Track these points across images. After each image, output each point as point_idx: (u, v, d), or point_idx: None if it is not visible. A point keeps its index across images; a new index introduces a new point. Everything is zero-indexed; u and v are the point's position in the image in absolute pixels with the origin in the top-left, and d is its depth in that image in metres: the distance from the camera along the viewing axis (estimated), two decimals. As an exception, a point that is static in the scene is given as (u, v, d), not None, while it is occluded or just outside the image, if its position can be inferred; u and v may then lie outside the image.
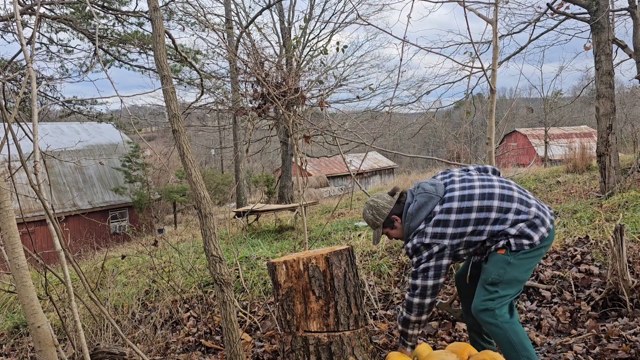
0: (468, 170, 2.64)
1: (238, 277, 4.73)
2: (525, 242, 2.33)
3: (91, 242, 12.81)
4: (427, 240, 2.40)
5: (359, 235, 6.00)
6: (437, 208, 2.43)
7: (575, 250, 4.28)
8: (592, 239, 4.42)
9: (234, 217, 11.23)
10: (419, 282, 2.43)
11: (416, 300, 2.47)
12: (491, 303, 2.33)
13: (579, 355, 2.79)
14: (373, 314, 3.92)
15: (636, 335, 2.91)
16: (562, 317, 3.35)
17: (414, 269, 2.47)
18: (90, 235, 15.39)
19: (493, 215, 2.36)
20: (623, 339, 2.89)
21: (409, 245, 2.47)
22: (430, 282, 2.42)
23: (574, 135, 33.31)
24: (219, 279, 2.72)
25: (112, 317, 4.10)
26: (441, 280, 2.43)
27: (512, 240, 2.35)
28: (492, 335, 2.36)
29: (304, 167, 4.37)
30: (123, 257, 5.84)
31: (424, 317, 2.52)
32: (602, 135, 7.87)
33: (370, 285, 4.33)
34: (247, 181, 27.09)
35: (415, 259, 2.47)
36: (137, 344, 3.95)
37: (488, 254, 2.44)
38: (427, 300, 2.46)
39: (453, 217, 2.38)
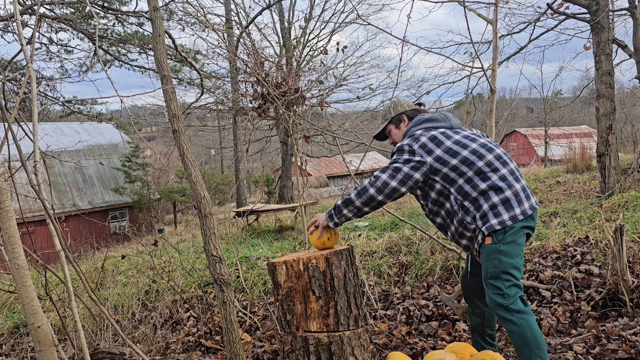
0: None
1: (238, 277, 4.73)
2: (507, 214, 2.32)
3: (91, 242, 12.81)
4: (415, 146, 2.42)
5: (359, 235, 6.00)
6: (441, 130, 2.48)
7: (575, 250, 4.28)
8: (592, 239, 4.42)
9: (234, 217, 11.23)
10: (384, 176, 2.40)
11: (372, 190, 2.41)
12: (504, 299, 2.30)
13: (579, 355, 2.79)
14: (373, 314, 3.92)
15: (636, 335, 2.91)
16: (562, 317, 3.35)
17: (387, 165, 2.47)
18: (90, 235, 15.39)
19: (480, 164, 2.37)
20: (623, 339, 2.89)
21: (400, 143, 2.49)
22: (393, 183, 2.38)
23: (574, 135, 33.33)
24: (219, 279, 2.72)
25: (112, 317, 4.10)
26: (403, 189, 2.40)
27: (490, 212, 2.33)
28: (507, 330, 2.34)
29: (304, 167, 4.37)
30: (123, 257, 5.83)
31: (366, 208, 2.47)
32: (602, 135, 7.88)
33: (370, 285, 4.33)
34: (247, 181, 27.10)
35: (394, 157, 2.47)
36: (137, 344, 3.95)
37: (479, 247, 2.41)
38: (379, 197, 2.42)
39: (448, 143, 2.41)
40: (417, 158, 2.40)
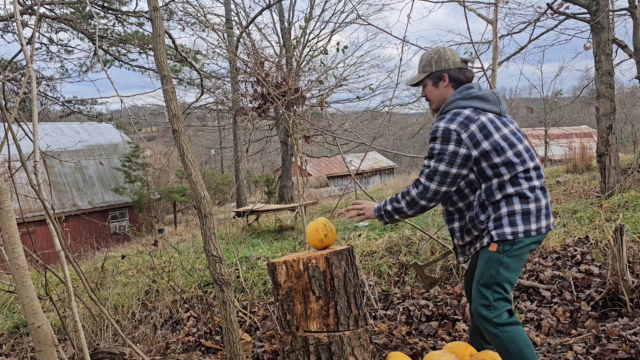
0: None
1: (238, 277, 4.73)
2: (522, 227, 2.22)
3: (91, 242, 12.81)
4: (464, 135, 2.21)
5: (359, 235, 6.00)
6: (491, 117, 2.28)
7: (575, 250, 4.28)
8: (592, 239, 4.42)
9: (234, 217, 11.23)
10: (433, 186, 2.28)
11: (422, 202, 2.33)
12: (489, 312, 2.24)
13: (579, 355, 2.79)
14: (373, 314, 3.92)
15: (636, 335, 2.91)
16: (562, 317, 3.35)
17: (429, 164, 2.30)
18: (90, 235, 15.39)
19: (519, 169, 2.24)
20: (623, 339, 2.89)
21: (443, 125, 2.26)
22: (443, 188, 2.29)
23: (574, 135, 33.32)
24: (219, 279, 2.72)
25: (112, 317, 4.10)
26: (453, 189, 2.29)
27: (504, 220, 2.23)
28: (491, 342, 2.32)
29: (304, 167, 4.37)
30: (123, 257, 5.84)
31: (414, 214, 2.40)
32: (602, 135, 7.88)
33: (370, 285, 4.33)
34: (247, 181, 27.09)
35: (438, 147, 2.27)
36: (137, 344, 3.95)
37: (480, 248, 2.34)
38: (430, 204, 2.34)
39: (496, 136, 2.21)
40: (464, 150, 2.22)
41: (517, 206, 2.24)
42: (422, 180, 2.31)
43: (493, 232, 2.25)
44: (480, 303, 2.28)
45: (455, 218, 2.47)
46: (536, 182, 2.28)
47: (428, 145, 2.35)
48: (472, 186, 2.34)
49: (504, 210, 2.25)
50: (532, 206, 2.24)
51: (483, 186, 2.30)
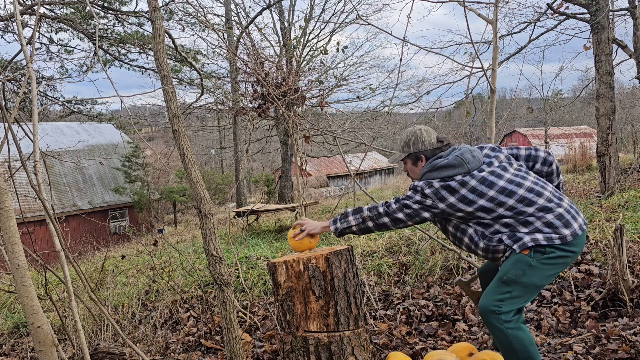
0: (517, 155, 2.58)
1: (238, 277, 4.73)
2: (542, 234, 2.22)
3: (91, 242, 12.80)
4: (427, 191, 2.36)
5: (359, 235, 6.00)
6: (458, 177, 2.38)
7: (575, 250, 4.28)
8: (592, 239, 4.42)
9: (234, 217, 11.23)
10: (394, 206, 2.42)
11: (381, 209, 2.44)
12: (499, 306, 2.23)
13: (579, 355, 2.79)
14: (373, 314, 3.92)
15: (636, 335, 2.91)
16: (562, 317, 3.35)
17: (401, 196, 2.47)
18: (90, 235, 15.39)
19: (501, 210, 2.29)
20: (623, 339, 2.89)
21: (415, 183, 2.46)
22: (400, 215, 2.41)
23: (574, 135, 33.32)
24: (219, 279, 2.72)
25: (112, 317, 4.10)
26: (409, 223, 2.43)
27: (526, 237, 2.24)
28: (494, 338, 2.31)
29: (304, 167, 4.37)
30: (123, 257, 5.84)
31: (370, 223, 2.48)
32: (602, 135, 7.88)
33: (370, 285, 4.33)
34: (247, 181, 27.09)
35: (408, 193, 2.46)
36: (137, 344, 3.95)
37: (507, 255, 2.32)
38: (384, 219, 2.44)
39: (463, 191, 2.32)
40: (429, 202, 2.36)
41: (531, 226, 2.27)
42: (392, 201, 2.45)
43: (514, 246, 2.26)
44: (494, 297, 2.27)
45: (472, 250, 2.47)
46: (540, 201, 2.28)
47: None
48: (461, 228, 2.42)
49: (520, 231, 2.28)
50: (546, 219, 2.25)
51: (471, 223, 2.38)
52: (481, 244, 2.34)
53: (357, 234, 2.58)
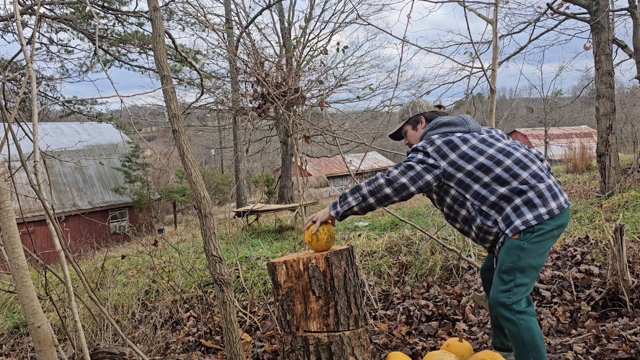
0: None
1: (238, 277, 4.73)
2: (531, 214, 2.22)
3: (91, 242, 12.81)
4: (429, 149, 2.35)
5: (359, 235, 6.00)
6: (458, 134, 2.40)
7: (575, 250, 4.28)
8: (592, 239, 4.42)
9: (234, 217, 11.23)
10: (396, 171, 2.35)
11: (382, 180, 2.36)
12: (508, 297, 2.24)
13: (579, 355, 2.79)
14: (373, 314, 3.92)
15: (636, 335, 2.91)
16: (562, 317, 3.35)
17: (401, 163, 2.42)
18: (90, 235, 15.39)
19: (498, 170, 2.29)
20: (623, 339, 2.89)
21: (415, 145, 2.43)
22: (403, 179, 2.33)
23: (574, 135, 33.32)
24: (219, 279, 2.72)
25: (112, 317, 4.10)
26: (412, 188, 2.33)
27: (512, 214, 2.24)
28: (506, 329, 2.31)
29: (304, 167, 4.37)
30: (123, 257, 5.83)
31: (371, 199, 2.39)
32: (602, 135, 7.88)
33: (370, 285, 4.33)
34: (247, 181, 27.10)
35: (409, 156, 2.43)
36: (137, 344, 3.95)
37: (502, 241, 2.32)
38: (387, 190, 2.35)
39: (464, 147, 2.34)
40: (431, 161, 2.34)
41: (517, 200, 2.26)
42: (392, 169, 2.39)
43: (507, 231, 2.26)
44: (500, 289, 2.27)
45: (465, 232, 2.49)
46: (524, 174, 2.29)
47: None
48: (459, 201, 2.39)
49: (507, 209, 2.27)
50: (531, 194, 2.25)
51: (468, 195, 2.35)
52: (477, 220, 2.33)
53: (360, 214, 2.49)
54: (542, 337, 2.27)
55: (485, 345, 3.10)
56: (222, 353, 3.59)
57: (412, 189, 2.34)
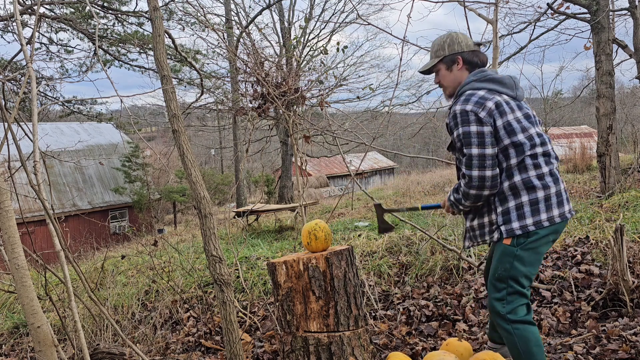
0: None
1: (238, 277, 4.73)
2: (532, 218, 2.15)
3: (91, 242, 12.81)
4: (482, 114, 2.16)
5: (359, 235, 6.00)
6: (506, 98, 2.23)
7: (576, 250, 4.28)
8: (593, 239, 4.42)
9: (234, 217, 11.23)
10: (466, 153, 2.16)
11: (475, 173, 2.16)
12: (502, 306, 2.20)
13: (579, 355, 2.79)
14: (373, 314, 3.92)
15: (636, 336, 2.91)
16: (562, 317, 3.35)
17: (471, 152, 2.18)
18: (90, 235, 15.39)
19: (527, 153, 2.17)
20: (623, 339, 2.89)
21: (459, 107, 2.21)
22: (475, 150, 2.14)
23: (574, 135, 33.30)
24: (219, 279, 2.72)
25: (112, 317, 4.10)
26: (487, 150, 2.13)
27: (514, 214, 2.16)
28: (502, 337, 2.29)
29: (304, 167, 4.37)
30: (123, 257, 5.83)
31: (467, 202, 2.25)
32: (602, 135, 7.88)
33: (370, 285, 4.33)
34: (247, 181, 27.10)
35: (462, 132, 2.19)
36: (137, 344, 3.95)
37: (490, 241, 2.28)
38: (485, 193, 2.18)
39: (510, 116, 2.19)
40: (487, 128, 2.15)
41: (524, 197, 2.18)
42: (464, 170, 2.23)
43: (502, 228, 2.20)
44: (495, 297, 2.24)
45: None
46: (545, 169, 2.19)
47: (452, 135, 2.28)
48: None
49: (511, 203, 2.20)
50: (540, 195, 2.17)
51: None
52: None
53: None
54: (540, 344, 2.22)
55: (485, 345, 3.09)
56: (222, 353, 3.59)
57: (488, 150, 2.16)
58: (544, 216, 2.17)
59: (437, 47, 2.41)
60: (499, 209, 2.23)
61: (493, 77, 2.28)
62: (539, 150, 2.20)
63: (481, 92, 2.22)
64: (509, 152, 2.19)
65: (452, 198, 2.37)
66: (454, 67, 2.37)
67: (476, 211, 2.34)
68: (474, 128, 2.16)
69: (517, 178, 2.19)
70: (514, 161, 2.18)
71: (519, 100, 2.30)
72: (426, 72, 2.50)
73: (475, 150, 2.17)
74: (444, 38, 2.40)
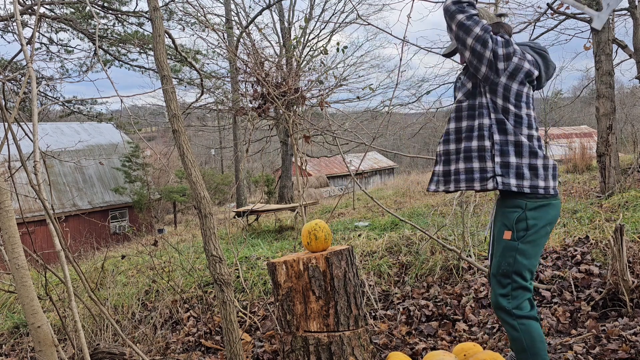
0: None
1: (238, 277, 4.73)
2: (529, 181, 2.17)
3: (91, 242, 12.81)
4: (499, 39, 2.20)
5: (359, 235, 6.00)
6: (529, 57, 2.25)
7: (575, 250, 4.28)
8: (592, 239, 4.42)
9: (234, 217, 11.23)
10: (471, 18, 2.18)
11: (468, 22, 2.18)
12: (508, 302, 2.22)
13: (579, 355, 2.79)
14: (373, 314, 3.92)
15: (636, 335, 2.91)
16: (562, 317, 3.35)
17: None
18: (90, 235, 15.39)
19: (524, 112, 2.21)
20: (623, 339, 2.89)
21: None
22: (469, 24, 2.17)
23: (574, 135, 33.30)
24: (219, 279, 2.72)
25: (112, 317, 4.10)
26: (477, 30, 2.15)
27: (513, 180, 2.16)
28: (506, 333, 2.31)
29: (304, 167, 4.37)
30: (123, 257, 5.83)
31: (454, 7, 2.22)
32: (602, 135, 7.88)
33: (370, 285, 4.33)
34: (247, 181, 27.10)
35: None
36: (137, 344, 3.95)
37: (492, 184, 2.20)
38: (459, 17, 2.20)
39: (526, 65, 2.21)
40: (504, 52, 2.16)
41: (526, 160, 2.18)
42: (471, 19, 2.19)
43: (499, 179, 2.17)
44: (499, 293, 2.25)
45: (451, 139, 2.34)
46: (540, 152, 2.23)
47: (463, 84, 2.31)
48: (482, 112, 2.24)
49: (512, 158, 2.18)
50: (539, 162, 2.19)
51: (494, 117, 2.21)
52: (474, 142, 2.24)
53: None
54: (544, 340, 2.25)
55: (484, 345, 3.10)
56: (222, 353, 3.59)
57: (476, 31, 2.17)
58: (541, 183, 2.19)
59: None
60: (498, 159, 2.19)
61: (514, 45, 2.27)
62: (535, 132, 2.25)
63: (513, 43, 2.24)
64: (511, 98, 2.19)
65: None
66: None
67: (464, 154, 2.27)
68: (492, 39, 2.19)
69: (522, 137, 2.19)
70: (514, 110, 2.19)
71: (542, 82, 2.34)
72: (449, 55, 2.48)
73: (484, 30, 2.18)
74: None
